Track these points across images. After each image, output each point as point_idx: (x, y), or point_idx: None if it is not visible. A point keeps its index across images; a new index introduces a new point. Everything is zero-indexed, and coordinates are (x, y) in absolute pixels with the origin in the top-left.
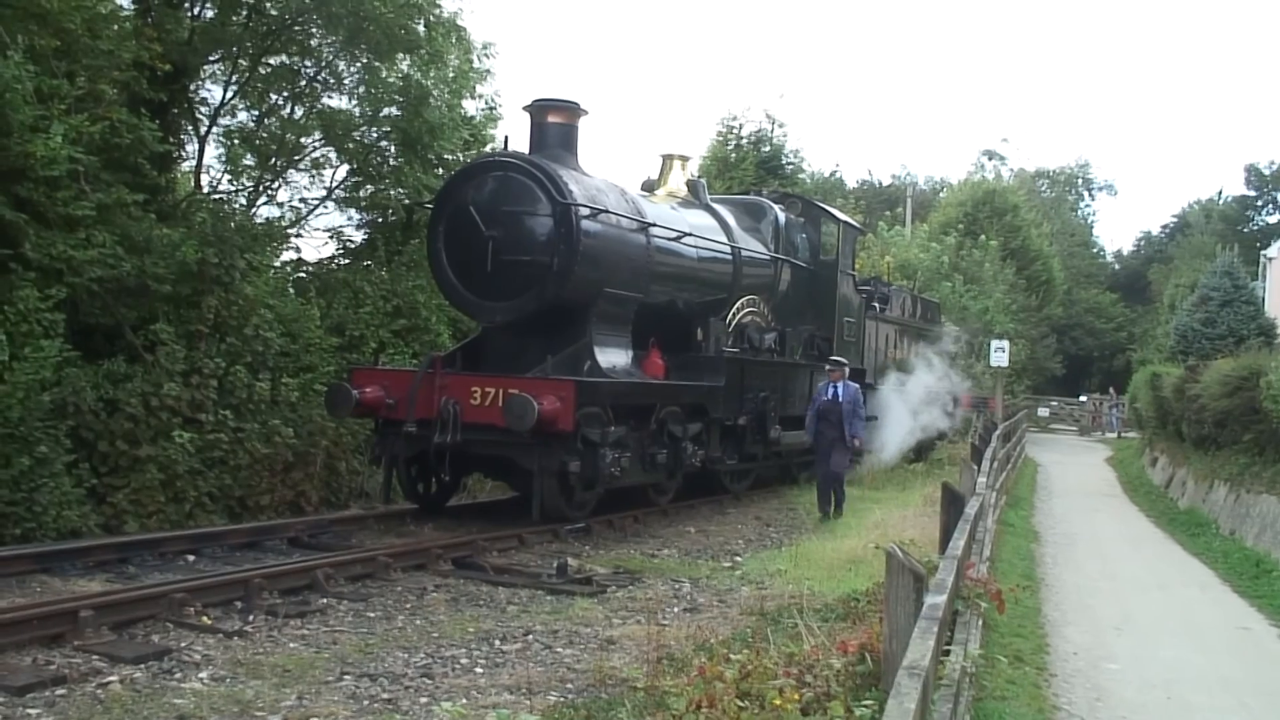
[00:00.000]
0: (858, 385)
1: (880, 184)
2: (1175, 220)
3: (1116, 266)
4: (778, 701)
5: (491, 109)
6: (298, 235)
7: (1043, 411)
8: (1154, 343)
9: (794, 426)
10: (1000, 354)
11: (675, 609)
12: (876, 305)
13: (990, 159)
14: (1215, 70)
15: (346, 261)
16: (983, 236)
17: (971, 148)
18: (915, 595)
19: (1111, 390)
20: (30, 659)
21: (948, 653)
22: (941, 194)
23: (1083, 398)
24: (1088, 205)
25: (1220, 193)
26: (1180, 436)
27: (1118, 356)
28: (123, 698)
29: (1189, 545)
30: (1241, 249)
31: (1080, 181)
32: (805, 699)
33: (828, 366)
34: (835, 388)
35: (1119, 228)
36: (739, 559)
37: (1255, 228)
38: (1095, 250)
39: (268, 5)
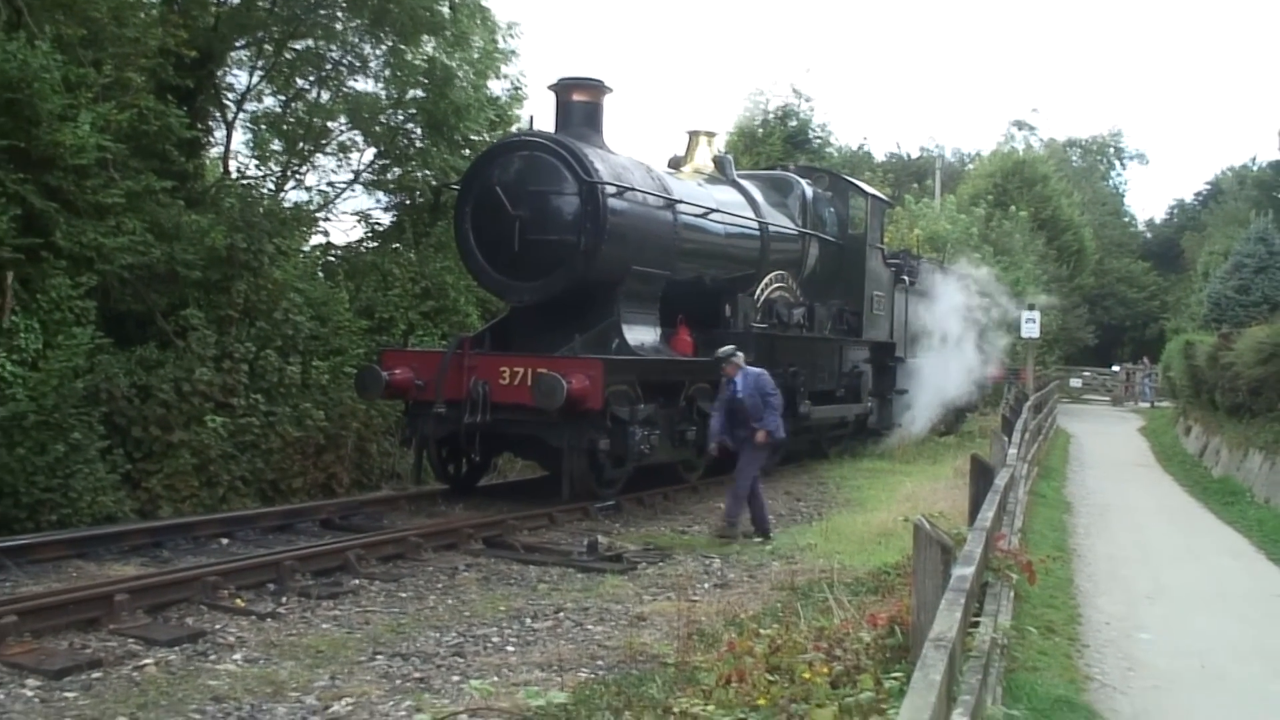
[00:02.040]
0: (761, 371)
1: (908, 156)
2: (1208, 187)
3: (1149, 235)
4: (807, 675)
5: (517, 89)
6: (326, 219)
7: (1075, 382)
8: (1187, 311)
9: (823, 401)
10: (1031, 324)
11: (705, 585)
12: (905, 278)
13: (1020, 129)
14: (1248, 36)
15: (375, 244)
16: (1013, 207)
17: (1001, 118)
18: (943, 568)
19: (1145, 359)
20: (67, 643)
21: (977, 624)
22: (970, 165)
23: (1115, 367)
24: (1119, 174)
25: (1254, 159)
26: (1214, 405)
27: (1150, 325)
28: (158, 680)
29: (1223, 514)
30: (1276, 215)
31: (1111, 150)
32: (835, 672)
33: (723, 364)
34: (734, 382)
35: (1151, 196)
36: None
37: None
38: (1127, 219)
39: None
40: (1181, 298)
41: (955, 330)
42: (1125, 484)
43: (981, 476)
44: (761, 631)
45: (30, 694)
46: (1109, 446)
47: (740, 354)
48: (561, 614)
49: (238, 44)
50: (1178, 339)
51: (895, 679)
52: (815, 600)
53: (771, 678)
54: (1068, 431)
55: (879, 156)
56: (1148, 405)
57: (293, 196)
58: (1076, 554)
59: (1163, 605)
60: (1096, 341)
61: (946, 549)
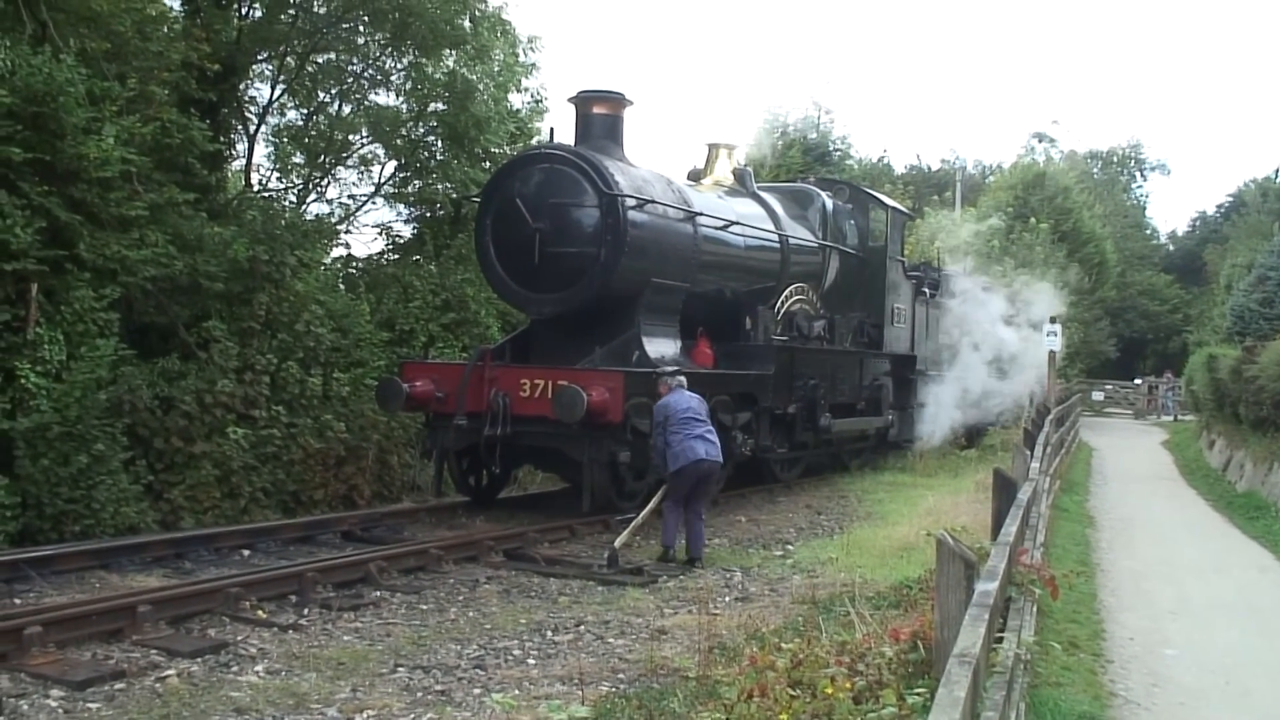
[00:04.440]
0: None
1: (929, 169)
2: (1231, 199)
3: (1171, 248)
4: (830, 690)
5: (537, 102)
6: (347, 231)
7: (1097, 395)
8: (1210, 324)
9: (844, 414)
10: (1053, 337)
11: (727, 598)
12: (926, 291)
13: (1040, 141)
14: (1270, 46)
15: (395, 256)
16: (1033, 219)
17: (1021, 130)
18: (966, 582)
19: (1168, 373)
20: (90, 654)
21: (1000, 640)
22: (991, 178)
23: (1137, 380)
24: (1140, 186)
25: (1277, 171)
26: (1238, 418)
27: (1173, 339)
28: (180, 691)
29: (1248, 528)
30: None
31: (1132, 162)
32: (857, 687)
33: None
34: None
35: (1173, 208)
36: (790, 547)
37: None
38: (1149, 231)
39: (315, 4)
40: (1204, 310)
41: (980, 342)
42: (1149, 498)
43: (1004, 490)
44: (783, 645)
45: (54, 704)
46: (1132, 460)
47: (679, 377)
48: (582, 627)
49: (260, 57)
50: (1201, 352)
51: (919, 694)
52: (837, 614)
53: (793, 692)
54: (1090, 445)
55: (899, 169)
56: (1170, 419)
57: (314, 209)
58: (1100, 568)
59: (1188, 621)
60: (1118, 354)
61: (969, 564)
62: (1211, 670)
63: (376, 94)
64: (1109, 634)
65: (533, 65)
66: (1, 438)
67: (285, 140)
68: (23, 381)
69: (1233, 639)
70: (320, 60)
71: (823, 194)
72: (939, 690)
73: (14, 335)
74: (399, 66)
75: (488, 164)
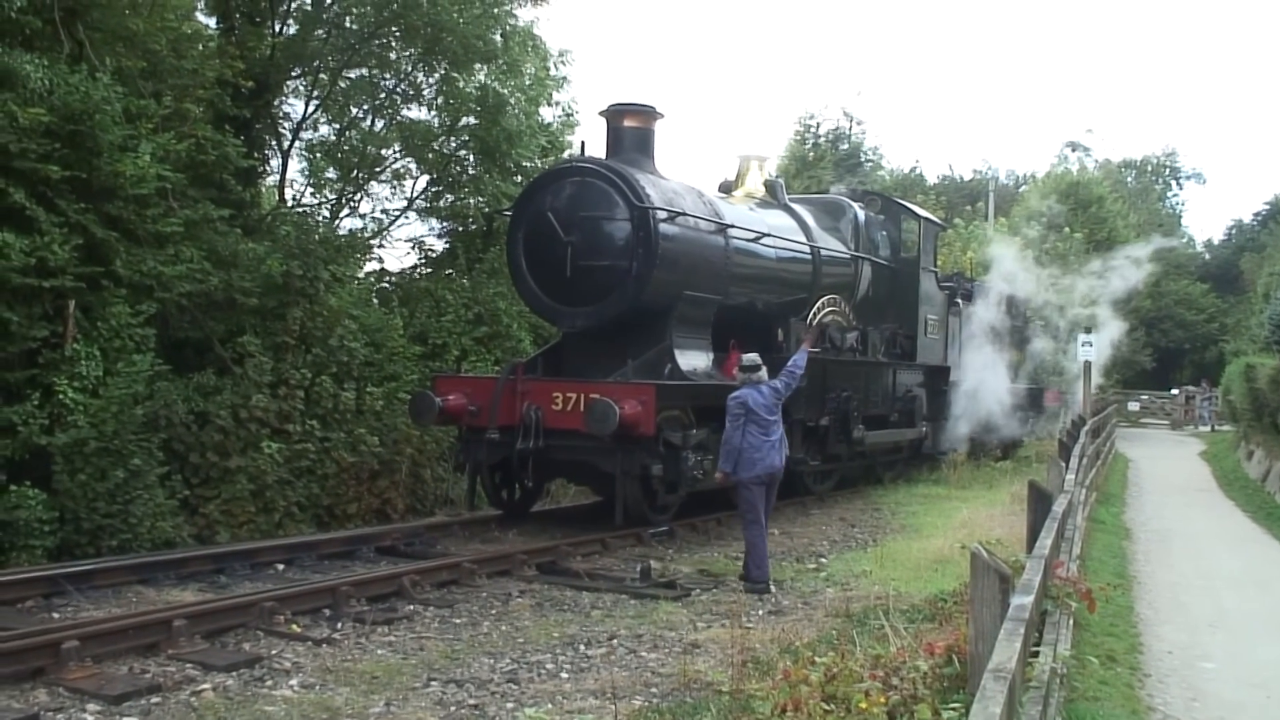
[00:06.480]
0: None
1: (961, 179)
2: (1268, 207)
3: (1207, 256)
4: (864, 705)
5: (568, 115)
6: (380, 246)
7: (1133, 406)
8: (1247, 333)
9: (877, 426)
10: (1088, 348)
11: (759, 612)
12: (959, 302)
13: (1074, 150)
14: None
15: (428, 270)
16: (1067, 229)
17: (1055, 139)
18: (1001, 596)
19: (1204, 382)
20: (126, 668)
21: (1036, 654)
22: (1024, 188)
23: (1174, 391)
24: (1175, 195)
25: None
26: (1276, 428)
27: (1210, 348)
28: (215, 705)
29: None
30: None
31: (1167, 171)
32: (891, 702)
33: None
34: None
35: (1209, 217)
36: (824, 560)
37: None
38: (1184, 240)
39: (347, 20)
40: (1241, 320)
41: (1011, 351)
42: (1186, 509)
43: (1039, 503)
44: (817, 659)
45: (91, 718)
46: (1169, 471)
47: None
48: (615, 641)
49: (294, 73)
50: (1238, 361)
51: (954, 709)
52: (871, 628)
53: (827, 707)
54: (1126, 456)
55: (931, 179)
56: (1207, 429)
57: (347, 224)
58: (1137, 581)
59: (1226, 634)
60: (1154, 365)
61: (1004, 577)
62: (1252, 684)
63: (408, 109)
64: (1147, 647)
65: (563, 79)
66: (39, 453)
67: (318, 155)
68: (60, 397)
69: (1273, 653)
70: (353, 76)
71: (854, 205)
72: (974, 705)
73: (52, 351)
74: (431, 81)
75: (519, 178)
